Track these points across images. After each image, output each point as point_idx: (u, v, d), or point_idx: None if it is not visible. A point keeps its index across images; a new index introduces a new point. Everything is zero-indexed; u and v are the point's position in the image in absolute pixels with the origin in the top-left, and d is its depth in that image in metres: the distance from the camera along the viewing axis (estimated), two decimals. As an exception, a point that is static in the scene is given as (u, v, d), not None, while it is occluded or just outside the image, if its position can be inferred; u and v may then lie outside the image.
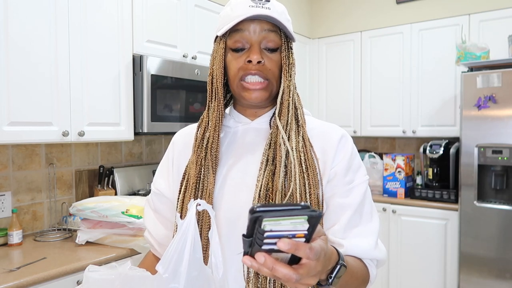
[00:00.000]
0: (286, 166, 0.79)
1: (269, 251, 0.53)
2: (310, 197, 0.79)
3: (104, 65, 1.99)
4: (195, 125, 0.94)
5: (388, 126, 3.32)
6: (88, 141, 1.95)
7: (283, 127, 0.81)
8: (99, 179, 2.25)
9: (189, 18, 2.42)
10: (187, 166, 0.87)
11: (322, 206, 0.81)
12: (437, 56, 3.06)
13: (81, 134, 1.88)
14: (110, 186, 2.28)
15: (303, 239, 0.52)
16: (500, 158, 2.52)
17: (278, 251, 0.52)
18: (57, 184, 2.14)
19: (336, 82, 3.59)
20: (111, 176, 2.29)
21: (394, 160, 3.10)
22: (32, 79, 1.71)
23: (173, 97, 2.25)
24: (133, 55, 2.12)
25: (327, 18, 3.64)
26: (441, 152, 2.94)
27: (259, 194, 0.78)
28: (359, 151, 3.74)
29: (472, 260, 2.62)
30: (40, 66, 1.74)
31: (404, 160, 3.07)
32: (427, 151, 3.00)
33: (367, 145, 3.74)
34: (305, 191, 0.79)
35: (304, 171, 0.79)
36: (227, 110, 0.94)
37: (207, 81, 0.87)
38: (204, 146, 0.84)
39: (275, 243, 0.51)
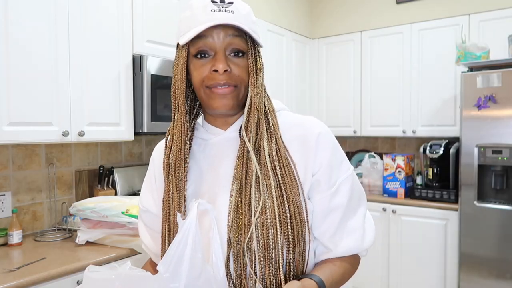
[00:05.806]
0: (258, 181, 0.76)
1: None
2: (288, 207, 0.76)
3: (104, 65, 1.99)
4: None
5: (388, 126, 3.32)
6: (88, 141, 1.95)
7: (251, 138, 0.77)
8: (99, 179, 2.25)
9: (189, 18, 2.41)
10: (163, 196, 0.83)
11: (305, 213, 0.79)
12: (437, 56, 3.06)
13: (81, 134, 1.88)
14: (110, 186, 2.28)
15: None
16: (500, 158, 2.52)
17: None
18: (57, 184, 2.14)
19: (336, 82, 3.59)
20: (111, 176, 2.28)
21: (394, 160, 3.10)
22: (32, 79, 1.71)
23: (173, 97, 2.24)
24: (133, 55, 2.12)
25: (327, 18, 3.64)
26: (441, 152, 2.94)
27: (231, 210, 0.77)
28: (359, 151, 3.74)
29: (472, 260, 2.62)
30: (40, 66, 1.74)
31: (404, 160, 3.07)
32: (427, 151, 3.00)
33: (367, 145, 3.73)
34: (282, 201, 0.76)
35: (280, 180, 0.77)
36: (200, 121, 0.90)
37: (171, 91, 0.82)
38: (172, 171, 0.81)
39: None
